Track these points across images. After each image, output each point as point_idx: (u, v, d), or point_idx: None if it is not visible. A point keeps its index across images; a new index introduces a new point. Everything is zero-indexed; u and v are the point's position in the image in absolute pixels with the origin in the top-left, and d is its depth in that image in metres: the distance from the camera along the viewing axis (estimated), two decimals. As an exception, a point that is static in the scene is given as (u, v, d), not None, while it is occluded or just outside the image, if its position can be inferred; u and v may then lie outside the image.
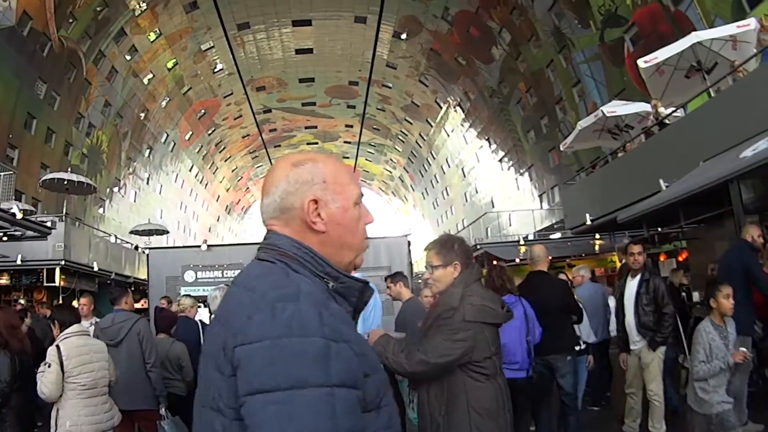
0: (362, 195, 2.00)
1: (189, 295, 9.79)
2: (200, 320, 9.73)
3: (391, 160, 72.78)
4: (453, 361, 3.97)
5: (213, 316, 6.28)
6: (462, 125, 51.94)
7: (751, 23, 13.55)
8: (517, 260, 23.16)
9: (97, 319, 10.31)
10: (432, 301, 4.60)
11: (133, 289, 23.62)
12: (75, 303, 21.67)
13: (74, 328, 6.44)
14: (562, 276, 10.38)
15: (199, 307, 9.77)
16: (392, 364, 4.10)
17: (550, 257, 8.16)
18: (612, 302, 10.03)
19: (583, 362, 8.81)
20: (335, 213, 1.88)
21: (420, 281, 23.98)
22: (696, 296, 11.70)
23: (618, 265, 24.25)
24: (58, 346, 6.17)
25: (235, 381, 1.57)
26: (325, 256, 1.85)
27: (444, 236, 4.59)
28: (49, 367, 6.07)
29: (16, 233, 18.99)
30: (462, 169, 56.39)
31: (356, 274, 6.08)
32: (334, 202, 1.88)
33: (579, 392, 8.58)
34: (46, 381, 6.05)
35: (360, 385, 1.62)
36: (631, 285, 8.29)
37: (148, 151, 49.09)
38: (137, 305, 15.07)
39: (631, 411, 8.41)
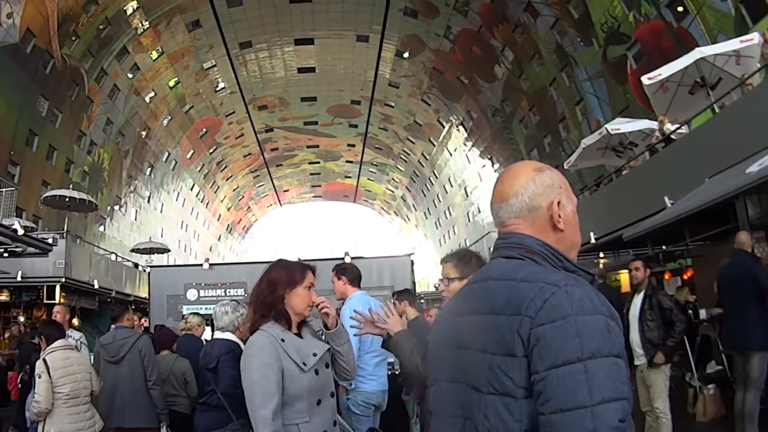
0: None
1: (197, 314, 9.76)
2: (205, 339, 9.69)
3: (393, 179, 72.78)
4: None
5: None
6: (465, 144, 51.95)
7: (754, 38, 13.58)
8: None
9: (74, 331, 10.39)
10: None
11: (133, 307, 23.58)
12: (75, 320, 21.82)
13: (59, 342, 6.88)
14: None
15: (207, 325, 9.73)
16: (406, 360, 4.02)
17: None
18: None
19: None
20: (569, 214, 2.13)
21: (423, 301, 23.97)
22: (703, 313, 11.64)
23: (622, 284, 24.24)
24: (45, 360, 6.62)
25: (526, 360, 1.79)
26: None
27: (462, 250, 4.58)
28: (39, 377, 6.51)
29: (17, 249, 19.04)
30: (465, 188, 56.38)
31: (359, 292, 6.05)
32: (569, 204, 2.14)
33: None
34: (39, 391, 6.50)
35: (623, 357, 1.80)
36: (636, 301, 8.30)
37: (149, 169, 49.19)
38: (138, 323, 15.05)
39: (650, 429, 8.24)
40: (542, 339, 1.76)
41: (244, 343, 3.83)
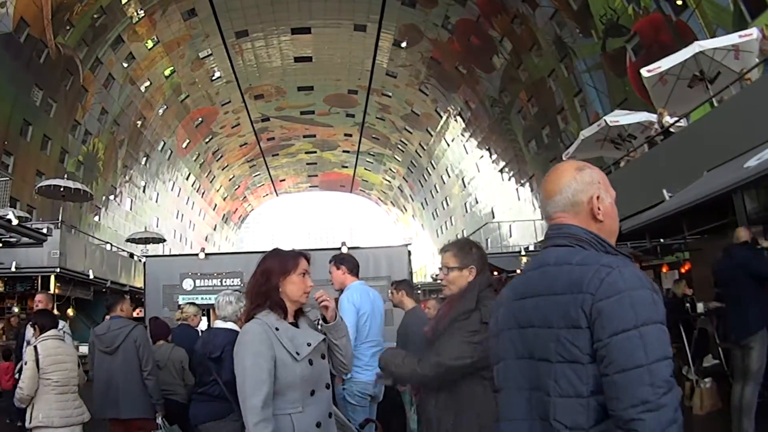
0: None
1: (193, 303, 9.76)
2: (201, 330, 9.69)
3: (390, 169, 72.80)
4: (469, 365, 3.89)
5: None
6: (462, 135, 51.96)
7: (753, 33, 13.58)
8: (518, 271, 23.10)
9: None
10: (437, 307, 4.42)
11: (128, 297, 23.59)
12: (70, 311, 21.85)
13: (51, 332, 6.98)
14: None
15: (203, 315, 9.72)
16: (400, 371, 4.10)
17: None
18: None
19: None
20: (608, 207, 2.50)
21: (420, 291, 24.01)
22: (700, 307, 11.69)
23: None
24: (35, 347, 6.74)
25: (589, 331, 2.16)
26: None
27: (462, 239, 4.66)
28: (26, 364, 6.66)
29: (11, 240, 19.03)
30: (462, 179, 56.41)
31: (357, 282, 6.10)
32: (607, 198, 2.51)
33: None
34: (23, 377, 6.63)
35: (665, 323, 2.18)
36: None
37: (144, 159, 49.09)
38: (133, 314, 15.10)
39: None
40: (603, 312, 2.13)
41: None
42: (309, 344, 3.62)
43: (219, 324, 6.25)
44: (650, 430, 2.00)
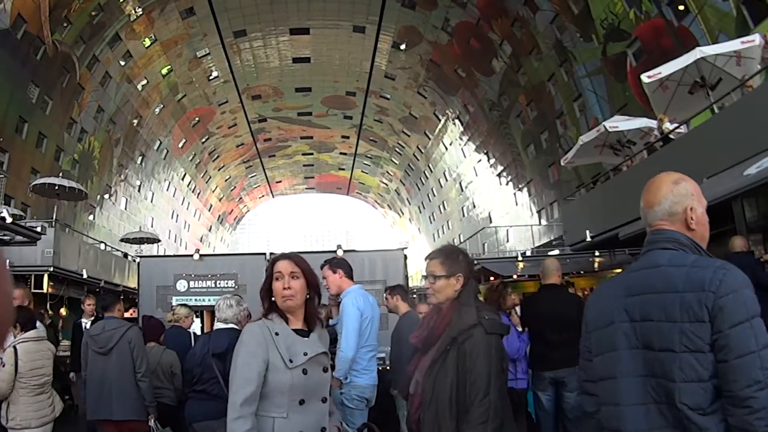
0: None
1: (185, 305, 9.76)
2: (193, 331, 9.68)
3: (387, 172, 72.82)
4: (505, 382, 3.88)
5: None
6: (460, 138, 51.98)
7: (755, 39, 13.57)
8: (515, 276, 23.10)
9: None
10: (428, 313, 4.27)
11: (122, 297, 23.58)
12: (63, 310, 21.82)
13: (32, 333, 7.04)
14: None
15: (196, 317, 9.71)
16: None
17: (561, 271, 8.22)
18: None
19: None
20: (700, 216, 2.88)
21: (415, 296, 24.02)
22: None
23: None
24: (15, 348, 6.77)
25: (710, 324, 2.51)
26: None
27: (449, 246, 4.47)
28: (3, 366, 6.67)
29: (5, 238, 18.94)
30: (460, 183, 56.42)
31: (356, 286, 6.11)
32: (699, 208, 2.89)
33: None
34: (0, 377, 6.66)
35: None
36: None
37: (140, 158, 49.07)
38: (126, 314, 15.12)
39: None
40: (723, 307, 2.50)
41: None
42: (305, 353, 3.62)
43: (221, 326, 6.34)
44: (761, 405, 2.38)
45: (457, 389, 3.72)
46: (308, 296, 3.84)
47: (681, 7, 23.66)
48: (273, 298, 3.75)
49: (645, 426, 2.67)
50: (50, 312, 19.80)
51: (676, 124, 15.02)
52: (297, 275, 3.77)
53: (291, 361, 3.53)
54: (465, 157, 52.86)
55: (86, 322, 11.58)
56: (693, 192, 2.90)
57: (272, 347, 3.55)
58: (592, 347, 2.99)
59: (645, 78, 14.60)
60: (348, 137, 65.96)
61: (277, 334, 3.60)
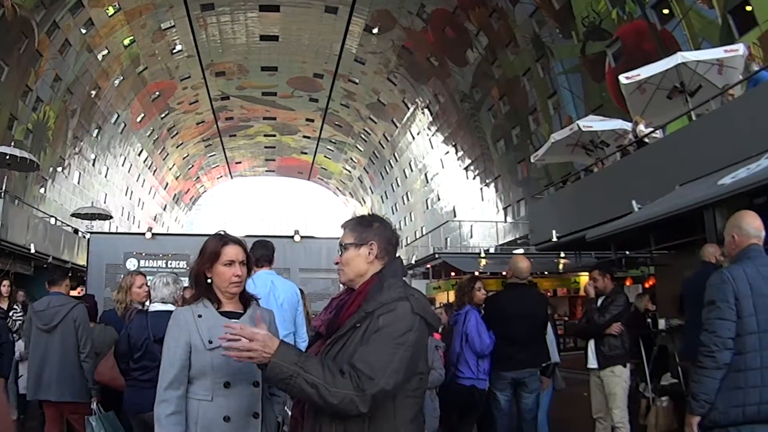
0: None
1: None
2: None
3: (351, 159, 72.77)
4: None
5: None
6: (429, 128, 52.14)
7: (739, 49, 13.76)
8: (477, 273, 23.21)
9: None
10: (338, 295, 3.54)
11: (70, 275, 23.35)
12: (5, 285, 21.57)
13: None
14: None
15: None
16: (299, 385, 2.87)
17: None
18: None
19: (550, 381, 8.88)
20: None
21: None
22: (662, 323, 11.87)
23: (581, 286, 24.51)
24: None
25: None
26: None
27: (363, 215, 3.79)
28: None
29: (-50, 207, 18.74)
30: (425, 174, 56.62)
31: (262, 271, 5.98)
32: None
33: (542, 412, 8.60)
34: None
35: None
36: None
37: (96, 131, 48.27)
38: (73, 293, 14.99)
39: None
40: None
41: None
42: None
43: (158, 306, 6.15)
44: None
45: None
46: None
47: (665, 11, 23.92)
48: (210, 281, 3.76)
49: None
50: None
51: (651, 128, 15.17)
52: (245, 262, 3.81)
53: (210, 341, 3.55)
54: (432, 148, 53.02)
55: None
56: None
57: (194, 330, 3.60)
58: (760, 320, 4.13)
59: (623, 79, 14.73)
60: (312, 120, 65.68)
61: (200, 316, 3.65)
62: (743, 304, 4.18)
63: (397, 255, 3.49)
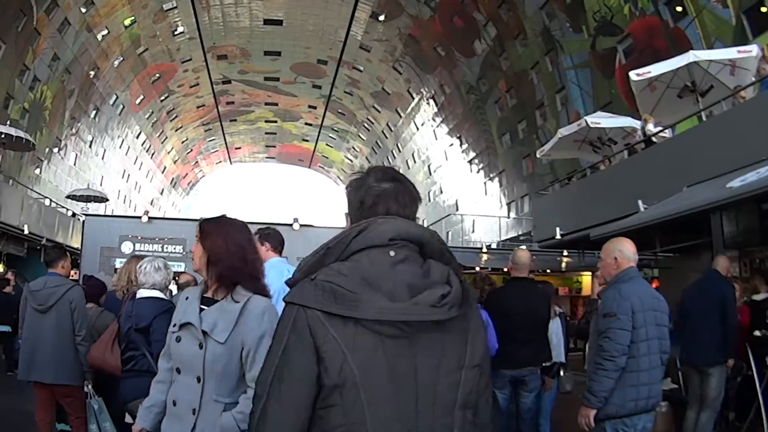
0: None
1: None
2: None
3: (353, 148, 72.61)
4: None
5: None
6: (433, 119, 52.02)
7: (753, 50, 13.63)
8: (477, 268, 23.15)
9: None
10: None
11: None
12: (-1, 267, 21.61)
13: None
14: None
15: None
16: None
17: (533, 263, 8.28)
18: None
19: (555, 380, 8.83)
20: None
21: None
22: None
23: (583, 286, 24.52)
24: None
25: None
26: None
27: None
28: None
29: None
30: (428, 166, 56.57)
31: (276, 259, 6.03)
32: None
33: (544, 414, 8.57)
34: None
35: None
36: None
37: (94, 112, 48.04)
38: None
39: None
40: None
41: None
42: (186, 322, 3.55)
43: (144, 293, 5.89)
44: None
45: None
46: (211, 261, 3.65)
47: (679, 9, 23.79)
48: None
49: None
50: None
51: (660, 127, 15.14)
52: (198, 239, 3.75)
53: (174, 325, 3.62)
54: (436, 139, 52.91)
55: None
56: None
57: (176, 310, 3.71)
58: None
59: (634, 75, 14.68)
60: (315, 107, 65.50)
61: (187, 298, 3.68)
62: (637, 317, 5.15)
63: None
